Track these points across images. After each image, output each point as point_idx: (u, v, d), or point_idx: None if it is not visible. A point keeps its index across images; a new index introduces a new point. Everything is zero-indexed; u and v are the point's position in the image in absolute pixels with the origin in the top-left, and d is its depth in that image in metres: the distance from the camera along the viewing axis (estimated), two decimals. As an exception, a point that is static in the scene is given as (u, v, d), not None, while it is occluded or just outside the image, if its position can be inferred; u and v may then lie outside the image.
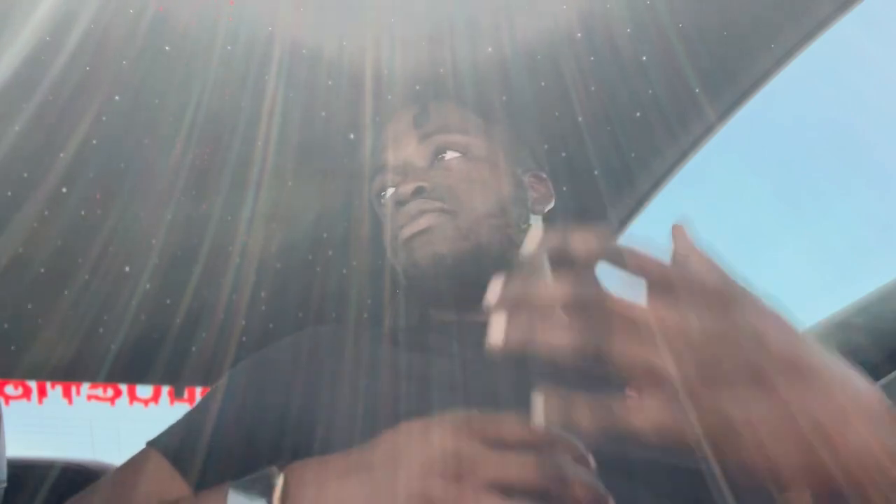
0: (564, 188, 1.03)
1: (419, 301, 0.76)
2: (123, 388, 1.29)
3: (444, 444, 0.44)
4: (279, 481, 0.47)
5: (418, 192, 0.71)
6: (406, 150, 0.76)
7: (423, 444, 0.45)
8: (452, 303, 0.71)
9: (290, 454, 0.61)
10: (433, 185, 0.71)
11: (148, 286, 1.00)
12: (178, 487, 0.60)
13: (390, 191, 0.76)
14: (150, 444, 0.64)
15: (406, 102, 0.82)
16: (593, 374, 0.36)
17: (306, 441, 0.60)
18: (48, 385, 1.25)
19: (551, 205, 0.81)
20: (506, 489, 0.42)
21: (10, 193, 0.86)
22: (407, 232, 0.70)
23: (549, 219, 0.82)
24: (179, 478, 0.60)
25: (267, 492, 0.46)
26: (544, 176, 0.83)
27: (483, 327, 0.70)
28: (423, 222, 0.70)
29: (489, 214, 0.71)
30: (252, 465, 0.61)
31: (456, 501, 0.41)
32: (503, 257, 0.71)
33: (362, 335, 0.71)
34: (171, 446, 0.63)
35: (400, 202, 0.72)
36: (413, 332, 0.73)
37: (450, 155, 0.75)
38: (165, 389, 1.22)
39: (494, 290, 0.38)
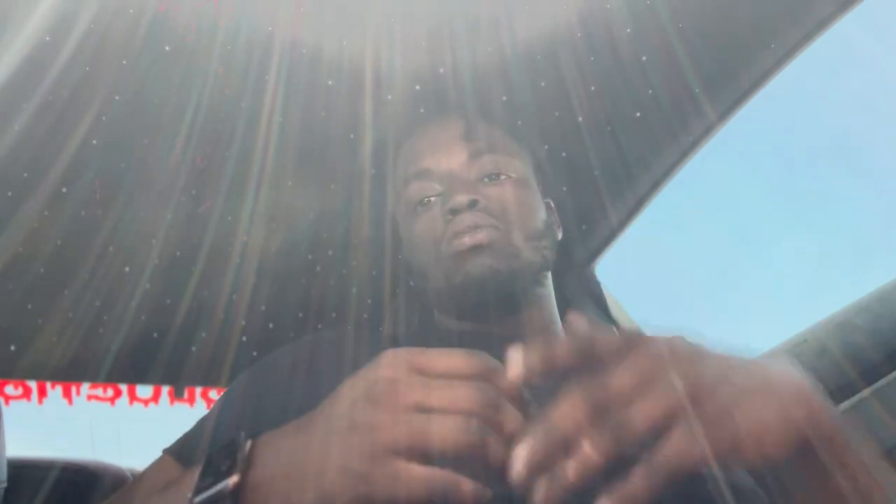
0: (564, 188, 1.03)
1: (454, 310, 0.76)
2: (123, 388, 1.29)
3: (376, 373, 0.45)
4: (246, 446, 0.48)
5: (473, 204, 0.72)
6: (455, 161, 0.77)
7: (357, 379, 0.46)
8: (487, 315, 0.73)
9: None
10: (487, 203, 0.73)
11: (148, 286, 1.00)
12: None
13: (432, 198, 0.77)
14: (165, 451, 0.66)
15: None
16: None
17: None
18: (48, 385, 1.25)
19: (561, 233, 0.84)
20: (427, 410, 0.42)
21: (10, 193, 0.86)
22: (467, 242, 0.71)
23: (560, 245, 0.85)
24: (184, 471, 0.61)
25: (233, 454, 0.47)
26: (552, 205, 0.86)
27: (485, 337, 0.70)
28: (482, 237, 0.71)
29: (532, 237, 0.75)
30: None
31: (380, 423, 0.42)
32: (535, 277, 0.75)
33: (363, 340, 0.71)
34: (182, 451, 0.64)
35: (454, 210, 0.72)
36: (413, 338, 0.73)
37: (499, 175, 0.77)
38: (165, 389, 1.22)
39: (520, 457, 0.40)
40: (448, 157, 0.77)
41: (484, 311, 0.73)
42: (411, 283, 0.85)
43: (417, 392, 0.43)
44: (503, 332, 0.73)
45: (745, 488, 0.58)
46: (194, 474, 0.47)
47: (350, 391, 0.46)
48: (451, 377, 0.44)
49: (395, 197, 0.82)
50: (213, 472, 0.47)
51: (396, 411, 0.42)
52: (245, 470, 0.46)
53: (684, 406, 0.40)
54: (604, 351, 0.43)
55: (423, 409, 0.42)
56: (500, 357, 0.67)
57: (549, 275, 0.80)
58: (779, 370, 0.49)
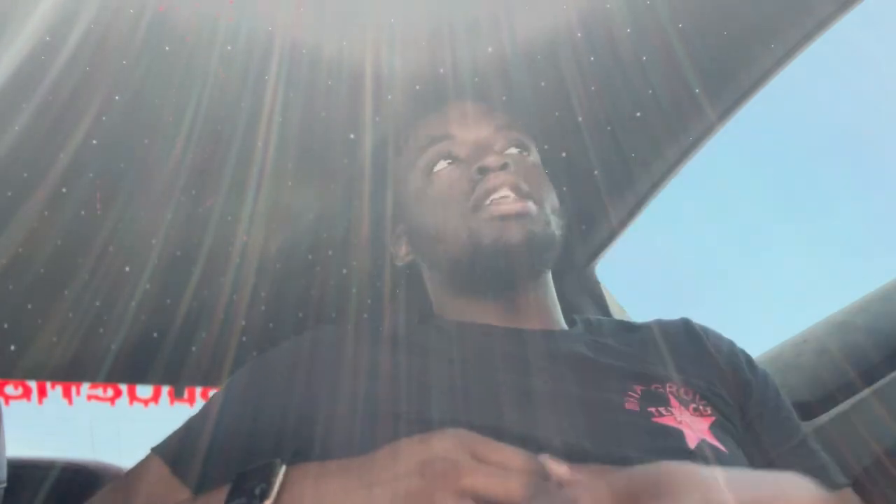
0: (564, 188, 1.03)
1: (467, 278, 0.74)
2: (123, 388, 1.28)
3: (432, 449, 0.46)
4: (281, 471, 0.48)
5: (506, 166, 0.72)
6: (482, 131, 0.77)
7: (413, 448, 0.47)
8: (511, 272, 0.71)
9: (289, 458, 0.61)
10: (517, 168, 0.73)
11: (148, 286, 1.00)
12: (176, 492, 0.60)
13: (453, 162, 0.75)
14: (153, 450, 0.65)
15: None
16: None
17: (306, 444, 0.60)
18: (48, 385, 1.25)
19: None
20: (480, 498, 0.43)
21: (10, 193, 0.86)
22: (506, 209, 0.70)
23: None
24: (178, 482, 0.61)
25: (268, 479, 0.47)
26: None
27: (485, 329, 0.70)
28: (521, 205, 0.70)
29: (555, 210, 0.75)
30: (254, 462, 0.62)
31: (433, 501, 0.43)
32: (553, 255, 0.74)
33: (362, 337, 0.71)
34: (171, 451, 0.64)
35: (483, 169, 0.71)
36: (413, 334, 0.73)
37: (522, 151, 0.78)
38: (165, 389, 1.22)
39: None
40: (475, 126, 0.77)
41: (500, 280, 0.72)
42: (412, 258, 0.83)
43: (475, 477, 0.44)
44: (506, 323, 0.72)
45: None
46: (221, 494, 0.48)
47: (406, 458, 0.46)
48: (506, 468, 0.45)
49: (405, 167, 0.80)
50: (244, 493, 0.47)
51: (450, 492, 0.43)
52: (279, 496, 0.46)
53: None
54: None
55: (478, 495, 0.43)
56: (500, 348, 0.67)
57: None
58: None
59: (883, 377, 0.86)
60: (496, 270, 0.70)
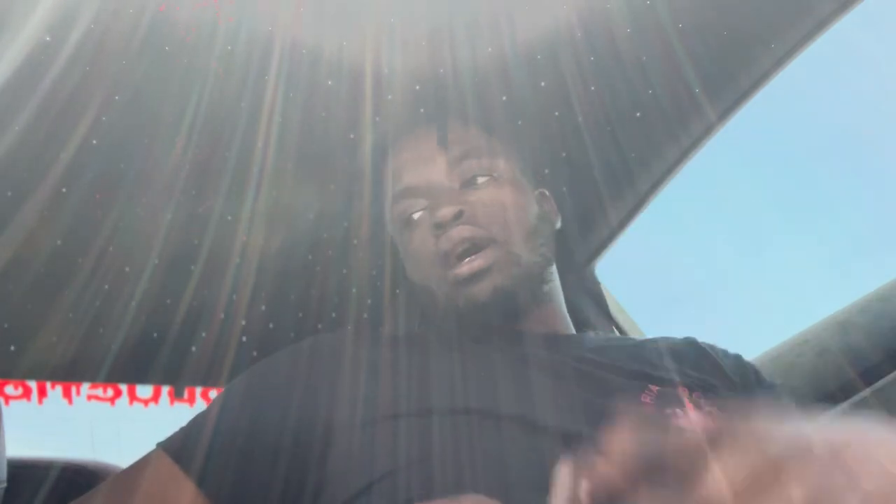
0: (564, 188, 1.03)
1: (464, 324, 0.74)
2: (123, 388, 1.28)
3: None
4: None
5: (458, 215, 0.70)
6: (434, 172, 0.75)
7: None
8: (499, 322, 0.72)
9: (290, 455, 0.61)
10: (472, 211, 0.71)
11: (148, 286, 1.00)
12: (181, 484, 0.60)
13: (419, 214, 0.75)
14: (162, 447, 0.65)
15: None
16: None
17: (305, 451, 0.60)
18: (48, 385, 1.25)
19: (559, 221, 0.83)
20: None
21: (10, 193, 0.86)
22: (466, 272, 0.69)
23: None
24: (182, 473, 0.61)
25: None
26: (548, 193, 0.84)
27: (488, 330, 0.70)
28: (479, 263, 0.69)
29: (526, 237, 0.73)
30: (254, 464, 0.62)
31: None
32: (541, 276, 0.74)
33: (363, 339, 0.71)
34: (175, 444, 0.64)
35: (440, 225, 0.71)
36: (414, 337, 0.73)
37: (481, 179, 0.75)
38: (165, 389, 1.22)
39: None
40: (427, 168, 0.76)
41: (498, 321, 0.72)
42: (414, 293, 0.84)
43: None
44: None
45: None
46: None
47: None
48: None
49: (388, 214, 0.81)
50: None
51: None
52: None
53: None
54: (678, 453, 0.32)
55: None
56: (502, 355, 0.67)
57: (554, 268, 0.79)
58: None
59: (883, 377, 0.86)
60: (482, 324, 0.71)
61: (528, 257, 0.72)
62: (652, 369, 0.68)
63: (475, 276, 0.69)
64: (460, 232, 0.70)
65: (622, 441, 0.33)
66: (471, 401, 0.59)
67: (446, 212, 0.70)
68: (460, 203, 0.71)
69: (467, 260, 0.70)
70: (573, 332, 0.78)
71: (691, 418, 0.61)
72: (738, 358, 0.75)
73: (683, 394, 0.65)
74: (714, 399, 0.66)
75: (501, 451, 0.55)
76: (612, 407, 0.60)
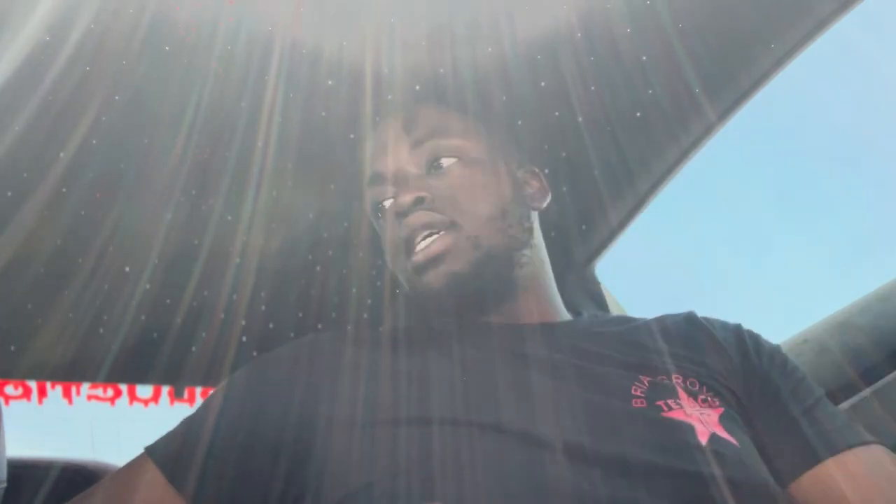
0: (564, 188, 1.03)
1: (427, 313, 0.75)
2: (123, 388, 1.29)
3: None
4: None
5: (418, 202, 0.70)
6: (399, 158, 0.75)
7: None
8: (462, 310, 0.72)
9: (287, 462, 0.61)
10: (433, 195, 0.71)
11: (148, 286, 1.00)
12: (173, 501, 0.60)
13: (388, 202, 0.75)
14: (148, 451, 0.64)
15: (406, 102, 0.81)
16: None
17: (305, 449, 0.60)
18: (48, 385, 1.25)
19: (548, 199, 0.81)
20: None
21: (10, 193, 0.86)
22: (421, 259, 0.69)
23: (546, 214, 0.82)
24: (173, 491, 0.60)
25: None
26: (537, 170, 0.82)
27: (483, 328, 0.69)
28: (434, 248, 0.69)
29: (492, 218, 0.71)
30: (248, 477, 0.61)
31: None
32: (509, 259, 0.72)
33: (362, 339, 0.71)
34: (168, 457, 0.63)
35: (400, 213, 0.71)
36: (413, 334, 0.73)
37: (446, 161, 0.74)
38: (165, 389, 1.22)
39: None
40: (393, 154, 0.75)
41: (460, 308, 0.71)
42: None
43: None
44: (500, 320, 0.72)
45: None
46: None
47: None
48: None
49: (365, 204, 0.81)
50: None
51: None
52: None
53: None
54: None
55: None
56: (500, 345, 0.67)
57: (534, 252, 0.76)
58: None
59: (883, 377, 0.86)
60: (447, 310, 0.71)
61: (491, 240, 0.70)
62: (644, 357, 0.67)
63: (430, 262, 0.69)
64: (418, 218, 0.70)
65: None
66: (472, 416, 0.58)
67: (406, 199, 0.70)
68: (422, 188, 0.71)
69: (423, 246, 0.69)
70: (564, 317, 0.76)
71: (685, 409, 0.61)
72: (737, 329, 0.73)
73: (677, 382, 0.64)
74: (710, 383, 0.65)
75: (471, 456, 0.55)
76: (599, 406, 0.60)
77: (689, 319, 0.74)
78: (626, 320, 0.77)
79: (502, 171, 0.76)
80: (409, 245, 0.70)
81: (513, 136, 0.83)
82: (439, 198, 0.71)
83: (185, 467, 0.61)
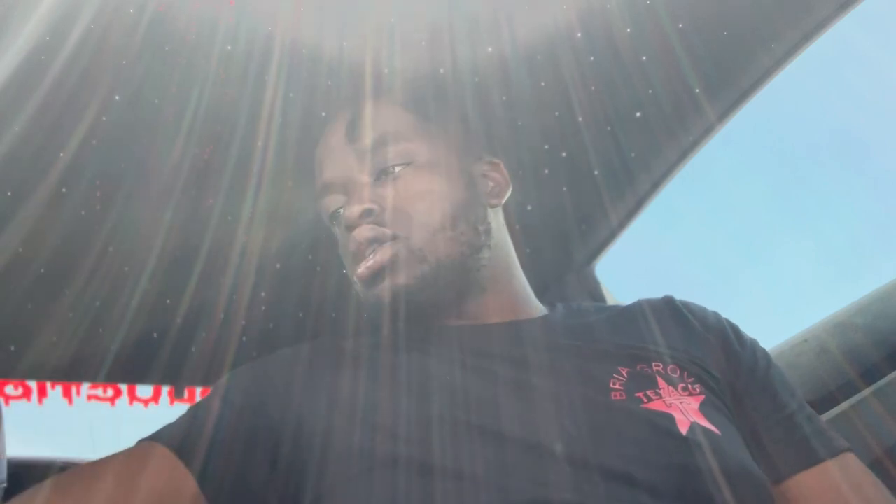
0: (564, 188, 1.03)
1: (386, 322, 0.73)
2: (123, 388, 1.29)
3: None
4: None
5: (366, 214, 0.69)
6: (345, 167, 0.73)
7: None
8: (417, 319, 0.70)
9: (289, 450, 0.61)
10: (382, 206, 0.69)
11: (148, 286, 1.00)
12: (184, 479, 0.60)
13: (339, 212, 0.74)
14: (153, 438, 0.64)
15: (354, 101, 0.79)
16: None
17: (305, 451, 0.61)
18: (48, 385, 1.25)
19: (508, 192, 0.78)
20: None
21: (10, 193, 0.86)
22: (363, 271, 0.68)
23: (506, 207, 0.79)
24: (184, 469, 0.60)
25: None
26: (496, 161, 0.79)
27: (450, 330, 0.69)
28: (378, 260, 0.67)
29: (441, 228, 0.69)
30: (254, 458, 0.62)
31: None
32: (463, 266, 0.70)
33: (362, 343, 0.71)
34: (175, 437, 0.62)
35: (349, 226, 0.69)
36: (413, 337, 0.73)
37: (398, 168, 0.71)
38: (165, 389, 1.22)
39: None
40: (340, 162, 0.73)
41: (415, 318, 0.69)
42: None
43: None
44: (466, 322, 0.71)
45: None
46: None
47: None
48: None
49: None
50: None
51: None
52: None
53: None
54: None
55: None
56: (467, 346, 0.66)
57: (493, 252, 0.73)
58: None
59: (883, 377, 0.86)
60: (404, 315, 0.69)
61: (439, 252, 0.68)
62: (622, 347, 0.66)
63: (373, 277, 0.68)
64: (363, 232, 0.68)
65: None
66: (445, 423, 0.58)
67: (353, 211, 0.69)
68: (370, 199, 0.69)
69: (365, 261, 0.68)
70: (536, 312, 0.74)
71: (664, 399, 0.60)
72: (716, 317, 0.72)
73: (657, 370, 0.63)
74: (691, 368, 0.64)
75: (455, 454, 0.55)
76: (575, 401, 0.60)
77: (668, 303, 0.73)
78: (601, 309, 0.75)
79: (456, 172, 0.73)
80: (356, 258, 0.70)
81: (467, 126, 0.80)
82: (388, 209, 0.69)
83: (194, 444, 0.61)
